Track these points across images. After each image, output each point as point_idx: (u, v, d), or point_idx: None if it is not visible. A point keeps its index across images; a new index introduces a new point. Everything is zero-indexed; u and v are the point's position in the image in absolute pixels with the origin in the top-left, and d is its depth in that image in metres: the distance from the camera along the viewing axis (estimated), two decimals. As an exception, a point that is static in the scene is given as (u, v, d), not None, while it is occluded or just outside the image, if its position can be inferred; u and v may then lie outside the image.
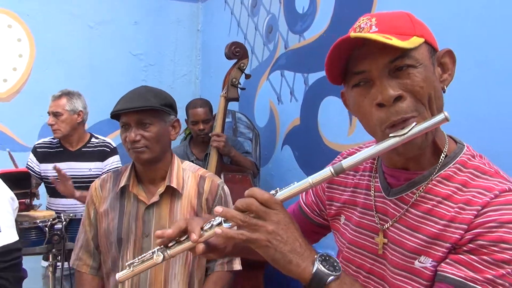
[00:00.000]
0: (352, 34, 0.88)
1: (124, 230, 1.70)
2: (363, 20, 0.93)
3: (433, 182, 0.92)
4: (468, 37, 1.80)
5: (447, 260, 0.86)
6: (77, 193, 2.74)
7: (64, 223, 2.37)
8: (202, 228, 0.92)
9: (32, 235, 2.33)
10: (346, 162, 0.88)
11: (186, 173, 1.77)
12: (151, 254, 0.95)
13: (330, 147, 2.65)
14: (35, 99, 3.84)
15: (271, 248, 0.84)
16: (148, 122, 1.65)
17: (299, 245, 0.85)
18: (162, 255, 0.94)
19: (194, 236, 0.90)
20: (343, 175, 1.10)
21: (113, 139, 4.10)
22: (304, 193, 1.24)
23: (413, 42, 0.85)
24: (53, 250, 2.35)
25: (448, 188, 0.91)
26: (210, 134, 2.93)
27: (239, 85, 3.00)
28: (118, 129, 4.10)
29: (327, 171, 0.89)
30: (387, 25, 0.89)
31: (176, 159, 1.79)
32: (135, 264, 0.97)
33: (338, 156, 1.21)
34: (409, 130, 0.83)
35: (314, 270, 0.84)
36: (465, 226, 0.85)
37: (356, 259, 1.03)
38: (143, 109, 1.63)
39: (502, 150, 1.56)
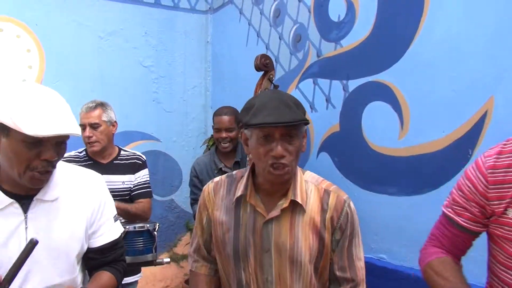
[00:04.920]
0: None
1: (241, 243, 1.60)
2: None
3: None
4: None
5: None
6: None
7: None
8: None
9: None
10: None
11: (308, 186, 1.63)
12: None
13: (377, 151, 2.67)
14: (45, 112, 3.68)
15: None
16: (293, 135, 1.50)
17: None
18: None
19: None
20: (502, 173, 1.23)
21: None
22: (453, 214, 1.35)
23: None
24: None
25: None
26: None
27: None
28: (131, 142, 4.03)
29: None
30: None
31: (298, 170, 1.65)
32: None
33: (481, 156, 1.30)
34: None
35: None
36: None
37: None
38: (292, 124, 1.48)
39: None
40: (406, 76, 2.51)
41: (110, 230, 1.60)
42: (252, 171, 1.66)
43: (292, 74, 3.35)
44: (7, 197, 1.38)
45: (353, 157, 2.85)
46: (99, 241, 1.57)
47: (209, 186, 1.73)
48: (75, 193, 1.52)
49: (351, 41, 2.87)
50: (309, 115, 3.20)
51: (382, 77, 2.65)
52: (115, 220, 1.64)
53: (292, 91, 3.33)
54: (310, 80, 3.19)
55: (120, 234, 1.65)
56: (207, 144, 3.79)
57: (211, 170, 3.06)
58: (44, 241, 1.38)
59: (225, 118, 3.03)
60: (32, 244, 1.25)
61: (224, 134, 2.98)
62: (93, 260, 1.58)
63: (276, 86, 3.02)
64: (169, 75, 4.28)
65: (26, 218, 1.40)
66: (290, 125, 1.47)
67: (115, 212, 1.66)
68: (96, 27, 3.93)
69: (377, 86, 2.67)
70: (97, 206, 1.55)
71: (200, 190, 3.01)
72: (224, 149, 3.02)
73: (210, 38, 4.45)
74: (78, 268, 1.53)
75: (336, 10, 2.97)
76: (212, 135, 3.79)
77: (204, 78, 4.47)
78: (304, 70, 3.25)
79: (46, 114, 1.28)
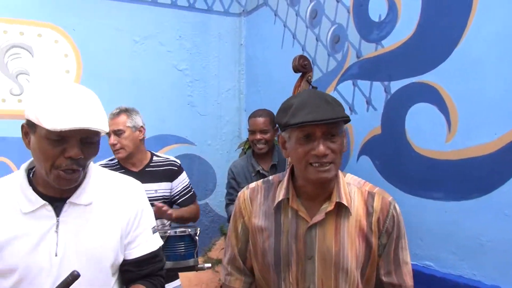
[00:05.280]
0: None
1: (283, 251, 1.51)
2: None
3: None
4: None
5: None
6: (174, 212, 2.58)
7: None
8: None
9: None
10: None
11: (351, 189, 1.55)
12: None
13: (422, 154, 2.58)
14: (82, 117, 3.71)
15: None
16: (335, 132, 1.43)
17: None
18: None
19: None
20: None
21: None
22: None
23: None
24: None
25: None
26: None
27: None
28: (165, 146, 4.02)
29: None
30: None
31: (340, 173, 1.56)
32: None
33: None
34: None
35: None
36: None
37: None
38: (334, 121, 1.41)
39: None
40: (453, 76, 2.41)
41: (147, 242, 1.51)
42: (291, 175, 1.58)
43: (330, 76, 3.28)
44: (40, 199, 1.34)
45: (396, 160, 2.76)
46: (134, 253, 1.48)
47: (244, 193, 1.65)
48: (111, 199, 1.44)
49: (393, 41, 2.78)
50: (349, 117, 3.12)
51: (427, 77, 2.56)
52: (154, 232, 1.54)
53: (331, 93, 3.26)
54: (350, 82, 3.12)
55: (158, 247, 1.55)
56: (242, 147, 3.75)
57: (248, 173, 3.03)
58: (75, 247, 1.35)
59: (260, 120, 3.01)
60: (72, 277, 1.20)
61: (258, 136, 2.96)
62: (128, 272, 1.49)
63: (314, 88, 2.97)
64: (203, 78, 4.27)
65: (58, 221, 1.34)
66: (332, 122, 1.39)
67: (154, 223, 1.57)
68: (132, 31, 3.95)
69: (422, 87, 2.58)
70: (134, 215, 1.47)
71: (238, 192, 2.99)
72: (259, 151, 2.99)
73: (244, 41, 4.42)
74: (113, 280, 1.45)
75: (377, 10, 2.90)
76: (247, 138, 3.76)
77: (238, 81, 4.44)
78: (343, 71, 3.18)
79: (68, 108, 1.23)
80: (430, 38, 2.55)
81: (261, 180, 1.69)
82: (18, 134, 1.36)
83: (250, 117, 3.06)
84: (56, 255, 1.33)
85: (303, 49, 3.58)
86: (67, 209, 1.36)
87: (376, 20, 2.91)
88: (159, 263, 1.55)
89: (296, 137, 1.45)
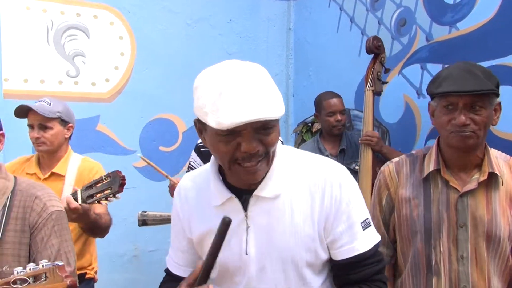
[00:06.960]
0: None
1: (434, 219, 1.59)
2: None
3: None
4: None
5: None
6: None
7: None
8: None
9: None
10: None
11: (499, 162, 1.63)
12: None
13: (504, 138, 2.56)
14: (136, 99, 3.70)
15: None
16: (480, 105, 1.53)
17: None
18: None
19: None
20: None
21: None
22: None
23: None
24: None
25: None
26: (364, 134, 2.80)
27: (382, 79, 2.96)
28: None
29: None
30: None
31: (486, 145, 1.66)
32: None
33: None
34: None
35: None
36: None
37: None
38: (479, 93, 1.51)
39: None
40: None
41: (355, 241, 1.22)
42: (438, 147, 1.68)
43: (395, 60, 3.24)
44: (227, 191, 1.22)
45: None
46: (339, 254, 1.23)
47: (389, 166, 1.74)
48: (303, 189, 1.22)
49: (470, 24, 2.75)
50: (415, 102, 3.10)
51: (510, 60, 2.53)
52: (365, 227, 1.24)
53: (394, 77, 3.23)
54: (417, 66, 3.08)
55: (370, 247, 1.23)
56: (299, 131, 3.72)
57: (315, 157, 3.02)
58: (267, 246, 1.22)
59: (338, 100, 3.05)
60: (225, 225, 1.07)
61: (339, 117, 2.96)
62: (336, 276, 1.28)
63: (387, 70, 2.95)
64: (252, 62, 4.21)
65: (246, 216, 1.22)
66: (473, 94, 1.49)
67: (365, 217, 1.25)
68: (185, 14, 3.89)
69: (504, 70, 2.55)
70: (335, 207, 1.20)
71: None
72: (339, 131, 3.00)
73: (293, 25, 4.36)
74: (319, 280, 1.26)
75: (452, -8, 2.86)
76: (303, 122, 3.74)
77: (286, 65, 4.39)
78: (409, 55, 3.15)
79: (229, 102, 1.05)
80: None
81: (405, 154, 1.79)
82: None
83: (323, 100, 3.04)
84: (246, 254, 1.23)
85: (363, 32, 3.54)
86: (254, 203, 1.22)
87: (451, 2, 2.87)
88: (375, 265, 1.25)
89: (441, 105, 1.58)
